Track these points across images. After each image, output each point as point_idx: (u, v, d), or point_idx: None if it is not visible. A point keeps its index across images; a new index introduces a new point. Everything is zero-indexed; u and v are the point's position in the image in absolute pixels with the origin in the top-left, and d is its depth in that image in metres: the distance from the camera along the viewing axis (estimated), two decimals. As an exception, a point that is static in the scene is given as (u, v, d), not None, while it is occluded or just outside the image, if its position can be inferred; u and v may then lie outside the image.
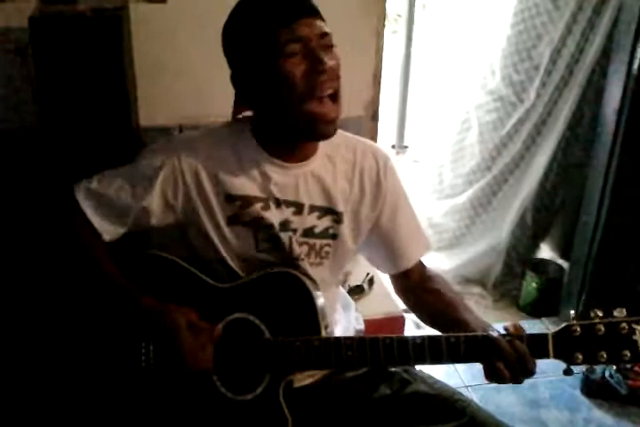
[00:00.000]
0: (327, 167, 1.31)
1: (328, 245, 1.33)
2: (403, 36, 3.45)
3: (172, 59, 1.99)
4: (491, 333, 1.16)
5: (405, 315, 2.14)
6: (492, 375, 1.16)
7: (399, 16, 3.74)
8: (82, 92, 1.63)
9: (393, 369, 1.39)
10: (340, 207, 1.32)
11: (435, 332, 1.29)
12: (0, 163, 1.85)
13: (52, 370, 1.36)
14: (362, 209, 1.35)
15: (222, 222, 1.27)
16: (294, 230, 1.30)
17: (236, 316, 1.24)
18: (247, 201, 1.27)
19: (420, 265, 1.45)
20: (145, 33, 1.89)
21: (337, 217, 1.32)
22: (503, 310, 2.98)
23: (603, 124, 2.53)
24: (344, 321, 1.46)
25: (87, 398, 1.27)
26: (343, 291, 1.56)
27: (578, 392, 2.43)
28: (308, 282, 1.23)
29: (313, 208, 1.31)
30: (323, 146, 1.30)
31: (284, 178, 1.28)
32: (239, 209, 1.27)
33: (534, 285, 2.89)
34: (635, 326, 1.11)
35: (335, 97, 1.19)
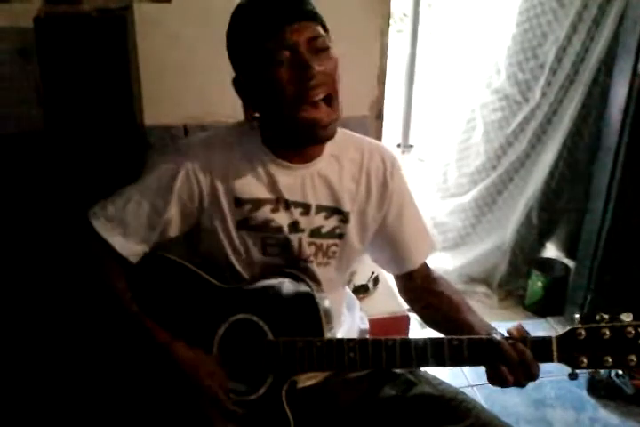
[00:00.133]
0: (334, 167, 1.31)
1: (335, 244, 1.33)
2: (408, 35, 3.44)
3: (176, 58, 1.99)
4: (494, 336, 1.16)
5: (410, 314, 2.13)
6: (495, 379, 1.15)
7: (405, 15, 3.73)
8: (86, 92, 1.63)
9: (398, 370, 1.39)
10: (347, 207, 1.32)
11: (438, 334, 1.29)
12: (4, 164, 1.85)
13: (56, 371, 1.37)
14: (368, 209, 1.35)
15: (232, 227, 1.27)
16: (302, 231, 1.30)
17: (239, 316, 1.24)
18: (256, 204, 1.26)
19: (425, 267, 1.44)
20: (149, 33, 1.90)
21: (343, 217, 1.32)
22: (508, 310, 2.97)
23: (608, 123, 2.52)
24: (348, 321, 1.46)
25: (87, 398, 1.28)
26: (348, 290, 1.55)
27: (583, 392, 2.43)
28: (311, 284, 1.23)
29: (320, 208, 1.30)
30: (329, 146, 1.30)
31: (291, 179, 1.28)
32: (248, 213, 1.26)
33: (540, 284, 2.89)
34: None
35: (330, 100, 1.18)
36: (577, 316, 1.15)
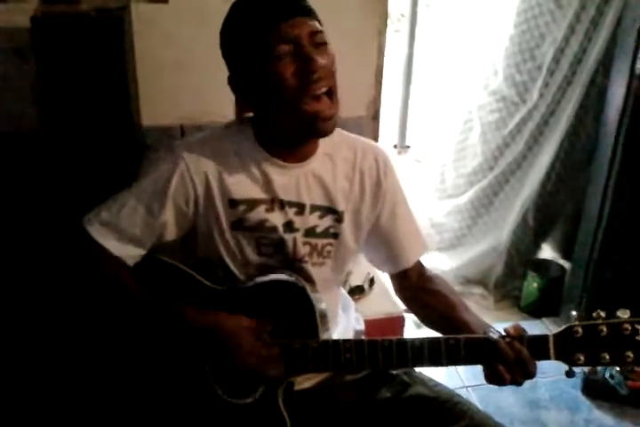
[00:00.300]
0: (327, 166, 1.31)
1: (330, 244, 1.33)
2: (405, 35, 3.44)
3: (173, 58, 1.99)
4: (491, 335, 1.16)
5: (405, 315, 2.14)
6: (493, 378, 1.15)
7: (402, 15, 3.73)
8: (83, 92, 1.63)
9: (393, 372, 1.39)
10: (341, 206, 1.32)
11: (435, 333, 1.29)
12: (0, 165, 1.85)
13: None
14: (362, 208, 1.35)
15: (226, 228, 1.26)
16: (297, 230, 1.30)
17: None
18: (251, 204, 1.26)
19: (420, 265, 1.45)
20: (146, 33, 1.89)
21: (338, 216, 1.32)
22: (504, 311, 2.98)
23: (605, 124, 2.53)
24: (344, 321, 1.45)
25: (87, 400, 1.28)
26: (343, 291, 1.55)
27: (578, 393, 2.43)
28: (306, 285, 1.23)
29: (314, 208, 1.30)
30: (322, 145, 1.30)
31: (285, 178, 1.27)
32: (243, 213, 1.26)
33: (535, 285, 2.89)
34: (638, 326, 1.10)
35: (331, 94, 1.18)
36: (574, 313, 1.15)
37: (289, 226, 1.29)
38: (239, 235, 1.27)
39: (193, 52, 1.98)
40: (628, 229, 2.57)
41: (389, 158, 1.40)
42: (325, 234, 1.32)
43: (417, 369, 1.42)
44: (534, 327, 2.80)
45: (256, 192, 1.27)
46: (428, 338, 1.17)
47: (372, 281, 2.27)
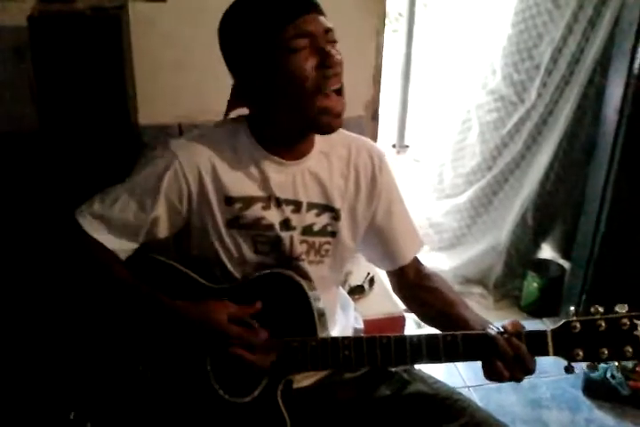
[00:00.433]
0: (323, 164, 1.31)
1: (328, 242, 1.33)
2: (404, 35, 3.45)
3: (171, 57, 1.99)
4: (489, 331, 1.15)
5: (406, 315, 2.13)
6: (491, 374, 1.15)
7: (400, 15, 3.73)
8: (81, 91, 1.62)
9: (393, 369, 1.39)
10: (337, 204, 1.32)
11: (434, 330, 1.28)
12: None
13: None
14: (358, 206, 1.35)
15: (222, 226, 1.26)
16: (294, 229, 1.29)
17: None
18: (247, 202, 1.26)
19: (417, 262, 1.45)
20: (144, 32, 1.89)
21: (335, 214, 1.32)
22: (504, 311, 2.98)
23: (604, 124, 2.53)
24: (342, 321, 1.45)
25: (85, 401, 1.27)
26: (342, 291, 1.55)
27: (579, 393, 2.42)
28: (303, 283, 1.23)
29: (311, 206, 1.30)
30: (318, 143, 1.30)
31: (282, 176, 1.27)
32: (239, 211, 1.26)
33: (535, 285, 2.89)
34: (636, 321, 1.09)
35: (340, 91, 1.19)
36: (572, 309, 1.15)
37: (285, 224, 1.28)
38: (235, 233, 1.27)
39: (191, 51, 1.98)
40: (628, 228, 2.56)
41: (384, 156, 1.40)
42: (323, 232, 1.32)
43: (416, 367, 1.42)
44: (534, 327, 2.69)
45: (253, 190, 1.26)
46: (426, 335, 1.16)
47: (372, 281, 2.27)
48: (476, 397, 2.31)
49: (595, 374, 2.36)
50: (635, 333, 1.09)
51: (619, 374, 2.35)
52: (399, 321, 2.15)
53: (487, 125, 2.91)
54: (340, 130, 1.30)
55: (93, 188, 1.29)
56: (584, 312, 1.13)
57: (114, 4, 1.68)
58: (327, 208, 1.31)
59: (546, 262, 3.01)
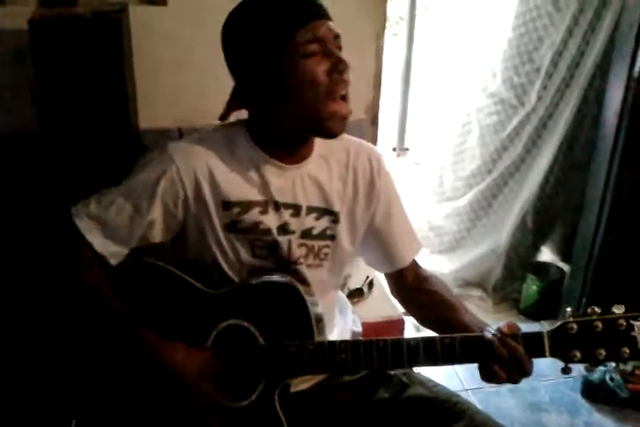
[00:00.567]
0: (322, 168, 1.32)
1: (327, 246, 1.33)
2: (404, 38, 3.44)
3: (171, 60, 1.99)
4: (486, 334, 1.15)
5: (405, 318, 2.13)
6: (489, 376, 1.15)
7: (401, 18, 3.73)
8: (81, 95, 1.62)
9: (391, 372, 1.39)
10: (337, 207, 1.32)
11: (432, 333, 1.29)
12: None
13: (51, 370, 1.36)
14: (357, 209, 1.35)
15: (219, 230, 1.26)
16: (292, 233, 1.29)
17: (229, 322, 1.23)
18: (245, 206, 1.26)
19: (415, 265, 1.45)
20: (145, 35, 1.89)
21: (334, 217, 1.32)
22: (503, 313, 2.97)
23: (604, 127, 2.53)
24: (341, 324, 1.45)
25: (87, 409, 1.27)
26: (341, 294, 1.55)
27: (578, 396, 2.43)
28: (301, 288, 1.22)
29: (310, 209, 1.30)
30: (317, 147, 1.31)
31: (282, 180, 1.27)
32: (237, 216, 1.26)
33: (535, 288, 2.89)
34: (633, 322, 1.09)
35: (345, 97, 1.20)
36: (568, 310, 1.14)
37: (283, 228, 1.28)
38: (233, 237, 1.27)
39: (191, 54, 1.98)
40: (627, 231, 2.56)
41: (383, 158, 1.40)
42: (322, 236, 1.32)
43: (415, 370, 1.42)
44: (533, 330, 2.79)
45: (251, 194, 1.26)
46: (423, 337, 1.16)
47: (371, 284, 2.27)
48: (474, 400, 2.31)
49: (593, 377, 2.37)
50: (632, 333, 1.09)
51: (618, 377, 2.35)
52: (398, 324, 2.15)
53: (487, 129, 2.92)
54: None
55: (93, 190, 1.29)
56: (581, 314, 1.13)
57: (114, 7, 1.69)
58: (326, 212, 1.32)
59: (545, 265, 3.01)
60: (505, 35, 2.76)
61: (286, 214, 1.28)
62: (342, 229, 1.34)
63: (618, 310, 1.11)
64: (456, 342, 1.15)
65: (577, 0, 2.58)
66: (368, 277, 2.26)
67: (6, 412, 1.70)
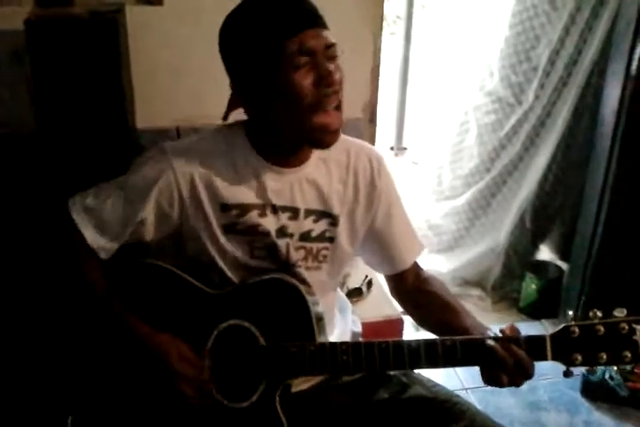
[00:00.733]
0: (321, 170, 1.31)
1: (326, 248, 1.33)
2: (401, 37, 3.44)
3: (169, 61, 1.99)
4: (488, 341, 1.15)
5: (404, 317, 2.13)
6: (491, 380, 1.15)
7: (398, 17, 3.73)
8: (79, 95, 1.62)
9: (391, 373, 1.38)
10: (336, 210, 1.32)
11: (430, 335, 1.28)
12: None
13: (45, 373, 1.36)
14: (357, 210, 1.35)
15: (217, 231, 1.26)
16: (291, 235, 1.29)
17: (230, 322, 1.23)
18: (244, 209, 1.26)
19: (416, 267, 1.44)
20: (142, 35, 1.89)
21: (333, 220, 1.32)
22: (503, 312, 2.98)
23: (601, 125, 2.53)
24: (341, 324, 1.45)
25: (82, 405, 1.27)
26: (341, 293, 1.55)
27: (578, 394, 2.43)
28: (302, 288, 1.22)
29: (308, 212, 1.30)
30: (316, 149, 1.30)
31: (279, 184, 1.27)
32: (235, 218, 1.25)
33: (534, 286, 2.89)
34: (635, 325, 1.10)
35: (338, 106, 1.19)
36: (570, 313, 1.15)
37: (282, 231, 1.28)
38: (231, 238, 1.27)
39: (189, 53, 1.98)
40: (626, 229, 2.56)
41: (383, 159, 1.40)
42: (321, 238, 1.32)
43: (415, 370, 1.41)
44: (533, 329, 2.80)
45: (248, 197, 1.26)
46: (424, 340, 1.16)
47: (370, 283, 2.27)
48: (474, 399, 2.31)
49: (593, 376, 2.36)
50: (633, 337, 1.10)
51: (617, 376, 2.35)
52: (397, 324, 2.15)
53: (485, 127, 2.91)
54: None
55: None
56: (583, 316, 1.13)
57: (111, 7, 1.68)
58: (325, 214, 1.31)
59: (544, 264, 3.01)
60: (502, 33, 2.76)
61: (284, 217, 1.28)
62: (342, 231, 1.33)
63: (620, 313, 1.11)
64: (458, 345, 1.15)
65: (574, -2, 2.58)
66: (367, 276, 2.26)
67: (2, 408, 1.70)
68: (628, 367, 2.34)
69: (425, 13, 3.99)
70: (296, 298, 1.22)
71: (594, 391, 2.40)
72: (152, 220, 1.25)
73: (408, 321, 2.13)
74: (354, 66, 2.16)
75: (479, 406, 1.36)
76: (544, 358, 1.13)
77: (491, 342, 1.14)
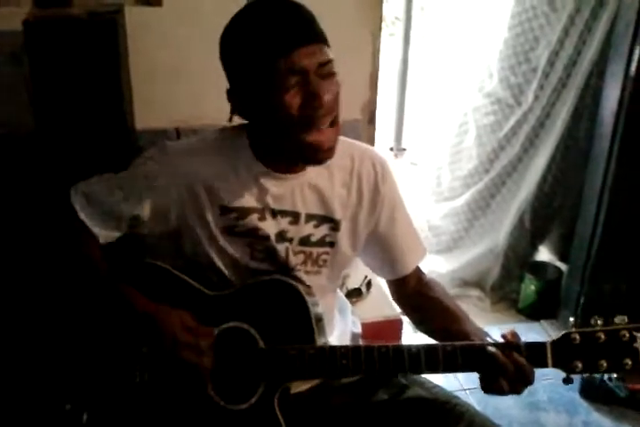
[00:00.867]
0: (324, 175, 1.30)
1: (326, 253, 1.32)
2: (400, 38, 3.45)
3: (168, 61, 1.99)
4: (489, 348, 1.14)
5: (403, 318, 2.13)
6: (491, 388, 1.14)
7: (397, 19, 3.74)
8: (77, 96, 1.62)
9: (390, 376, 1.38)
10: (338, 215, 1.31)
11: (431, 340, 1.28)
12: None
13: (47, 373, 1.35)
14: (360, 215, 1.34)
15: (217, 233, 1.25)
16: (290, 240, 1.28)
17: (230, 324, 1.22)
18: (243, 212, 1.25)
19: (418, 271, 1.44)
20: (141, 36, 1.89)
21: (334, 225, 1.31)
22: (502, 313, 2.98)
23: (601, 126, 2.53)
24: (341, 325, 1.45)
25: (82, 392, 1.26)
26: (340, 294, 1.55)
27: (577, 395, 2.43)
28: (302, 289, 1.22)
29: (309, 217, 1.29)
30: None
31: (280, 189, 1.26)
32: (235, 220, 1.25)
33: (533, 287, 2.89)
34: (636, 333, 1.09)
35: (333, 123, 1.17)
36: (571, 320, 1.15)
37: (281, 235, 1.28)
38: (231, 240, 1.26)
39: (188, 54, 1.98)
40: (625, 230, 2.56)
41: (387, 163, 1.39)
42: (321, 243, 1.31)
43: (415, 373, 1.41)
44: (532, 330, 2.80)
45: (248, 201, 1.25)
46: (425, 345, 1.16)
47: (369, 284, 2.27)
48: (472, 400, 2.31)
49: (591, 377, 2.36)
50: (634, 345, 1.09)
51: (616, 377, 2.35)
52: (396, 324, 2.15)
53: (484, 128, 2.91)
54: (342, 137, 1.27)
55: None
56: (582, 318, 1.12)
57: (110, 8, 1.68)
58: (326, 219, 1.31)
59: (543, 265, 3.01)
60: (501, 35, 2.76)
61: (284, 222, 1.28)
62: (343, 236, 1.32)
63: (621, 321, 1.11)
64: (458, 350, 1.14)
65: (573, 0, 2.58)
66: (366, 277, 2.26)
67: (1, 395, 1.69)
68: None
69: (424, 15, 3.99)
70: (295, 299, 1.21)
71: (593, 392, 2.40)
72: (148, 218, 1.25)
73: (407, 322, 2.13)
74: (353, 67, 2.17)
75: (478, 407, 1.35)
76: (544, 366, 1.13)
77: (492, 349, 1.13)
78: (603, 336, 1.10)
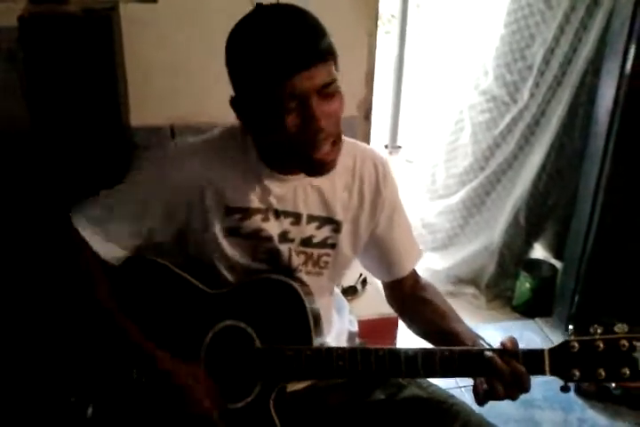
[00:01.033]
0: (326, 176, 1.28)
1: (327, 254, 1.32)
2: (396, 36, 3.45)
3: (163, 58, 1.98)
4: (486, 351, 1.14)
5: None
6: (487, 394, 1.13)
7: (393, 16, 3.74)
8: (72, 93, 1.62)
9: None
10: (340, 216, 1.30)
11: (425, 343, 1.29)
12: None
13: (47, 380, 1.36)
14: (361, 217, 1.33)
15: (220, 234, 1.25)
16: (292, 240, 1.28)
17: (227, 323, 1.22)
18: (247, 213, 1.25)
19: (414, 274, 1.44)
20: (136, 33, 1.88)
21: (336, 226, 1.31)
22: (497, 311, 2.98)
23: (596, 124, 2.53)
24: (338, 324, 1.44)
25: (87, 384, 1.26)
26: (338, 292, 1.54)
27: (572, 393, 2.43)
28: (299, 289, 1.22)
29: (311, 218, 1.29)
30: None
31: (283, 189, 1.26)
32: (239, 222, 1.25)
33: (528, 285, 2.90)
34: (635, 342, 1.08)
35: (335, 142, 1.15)
36: (571, 327, 1.14)
37: (284, 236, 1.27)
38: (235, 241, 1.26)
39: (183, 51, 1.97)
40: (619, 228, 2.57)
41: (388, 163, 1.38)
42: (323, 244, 1.31)
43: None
44: (527, 327, 2.81)
45: (252, 202, 1.25)
46: (422, 348, 1.15)
47: (364, 282, 2.27)
48: (468, 397, 2.27)
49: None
50: (633, 354, 1.08)
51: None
52: (392, 322, 2.15)
53: (480, 126, 2.92)
54: (344, 138, 1.24)
55: (84, 188, 1.28)
56: (577, 316, 1.12)
57: (105, 4, 1.67)
58: (328, 220, 1.30)
59: (538, 262, 3.02)
60: (497, 32, 2.76)
61: (286, 222, 1.27)
62: (344, 238, 1.32)
63: (620, 329, 1.10)
64: (456, 355, 1.14)
65: (569, -2, 2.59)
66: (361, 274, 2.26)
67: (6, 387, 1.69)
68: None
69: (419, 12, 3.99)
70: (293, 298, 1.21)
71: (588, 390, 2.40)
72: (160, 226, 1.25)
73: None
74: (349, 64, 2.15)
75: (473, 405, 1.35)
76: (542, 373, 1.13)
77: (489, 353, 1.13)
78: (602, 345, 1.09)
